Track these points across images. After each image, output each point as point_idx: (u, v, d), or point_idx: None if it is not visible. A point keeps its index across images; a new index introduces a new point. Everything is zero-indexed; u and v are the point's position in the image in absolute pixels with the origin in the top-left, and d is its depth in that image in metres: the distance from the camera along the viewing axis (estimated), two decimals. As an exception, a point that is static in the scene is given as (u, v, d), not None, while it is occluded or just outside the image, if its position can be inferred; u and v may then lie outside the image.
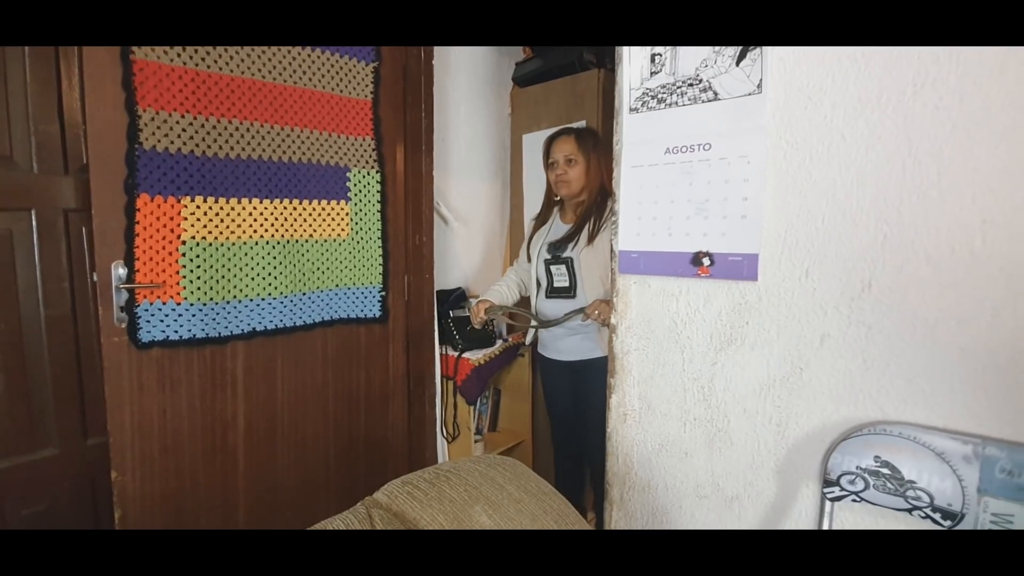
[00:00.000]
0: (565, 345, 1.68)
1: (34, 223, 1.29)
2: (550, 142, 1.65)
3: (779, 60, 0.94)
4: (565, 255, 1.62)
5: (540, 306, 1.70)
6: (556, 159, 1.62)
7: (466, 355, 1.87)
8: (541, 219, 1.78)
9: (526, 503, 0.70)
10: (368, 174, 1.62)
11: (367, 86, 1.59)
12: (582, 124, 1.91)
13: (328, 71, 1.50)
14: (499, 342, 2.01)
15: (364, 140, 1.60)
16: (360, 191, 1.60)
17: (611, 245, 1.19)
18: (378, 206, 1.65)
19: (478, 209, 2.25)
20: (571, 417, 1.78)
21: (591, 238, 1.57)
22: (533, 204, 1.98)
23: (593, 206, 1.61)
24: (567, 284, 1.61)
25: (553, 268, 1.64)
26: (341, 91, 1.54)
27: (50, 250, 1.32)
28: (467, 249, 2.21)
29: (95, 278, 1.21)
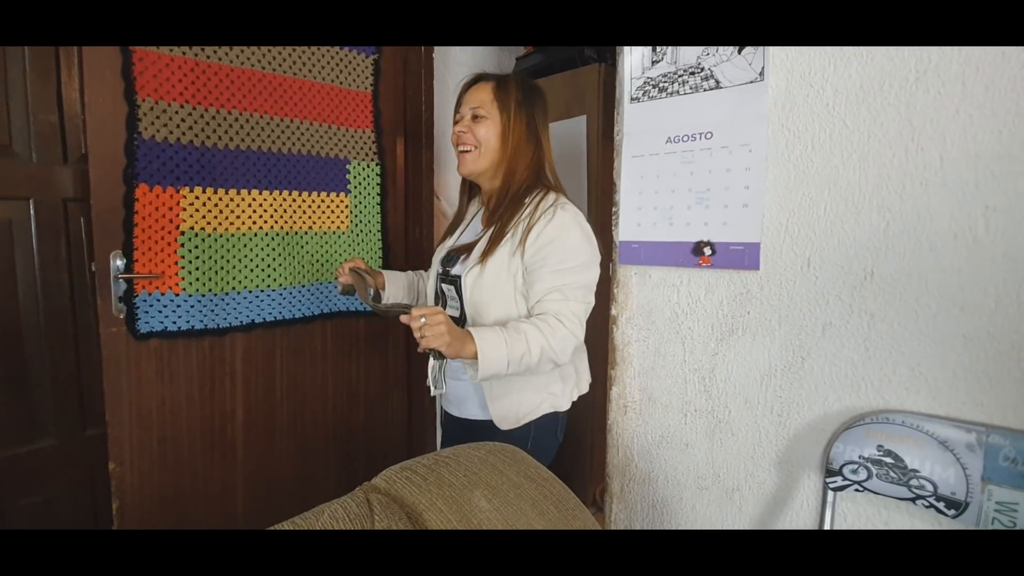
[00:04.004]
0: (454, 393, 1.15)
1: (33, 213, 1.28)
2: (465, 89, 1.12)
3: (781, 48, 0.93)
4: (455, 272, 1.10)
5: None
6: (462, 113, 1.09)
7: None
8: (458, 215, 1.24)
9: (525, 488, 0.70)
10: (368, 166, 1.61)
11: (367, 78, 1.59)
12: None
13: (328, 63, 1.50)
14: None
15: (364, 132, 1.60)
16: (360, 183, 1.60)
17: (614, 237, 1.18)
18: (378, 199, 1.65)
19: (478, 204, 2.25)
20: None
21: (484, 254, 1.02)
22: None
23: (510, 200, 1.06)
24: (458, 313, 1.10)
25: (445, 287, 1.14)
26: (341, 83, 1.53)
27: (49, 240, 1.31)
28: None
29: (94, 268, 1.20)
